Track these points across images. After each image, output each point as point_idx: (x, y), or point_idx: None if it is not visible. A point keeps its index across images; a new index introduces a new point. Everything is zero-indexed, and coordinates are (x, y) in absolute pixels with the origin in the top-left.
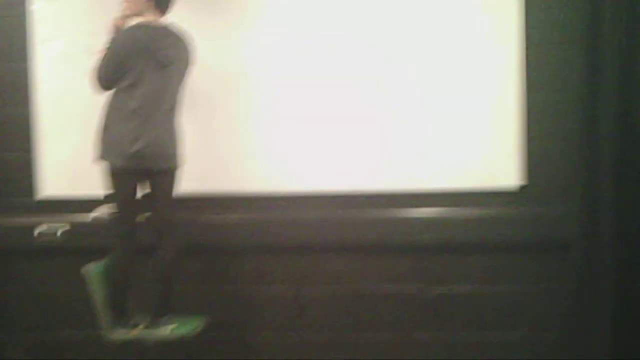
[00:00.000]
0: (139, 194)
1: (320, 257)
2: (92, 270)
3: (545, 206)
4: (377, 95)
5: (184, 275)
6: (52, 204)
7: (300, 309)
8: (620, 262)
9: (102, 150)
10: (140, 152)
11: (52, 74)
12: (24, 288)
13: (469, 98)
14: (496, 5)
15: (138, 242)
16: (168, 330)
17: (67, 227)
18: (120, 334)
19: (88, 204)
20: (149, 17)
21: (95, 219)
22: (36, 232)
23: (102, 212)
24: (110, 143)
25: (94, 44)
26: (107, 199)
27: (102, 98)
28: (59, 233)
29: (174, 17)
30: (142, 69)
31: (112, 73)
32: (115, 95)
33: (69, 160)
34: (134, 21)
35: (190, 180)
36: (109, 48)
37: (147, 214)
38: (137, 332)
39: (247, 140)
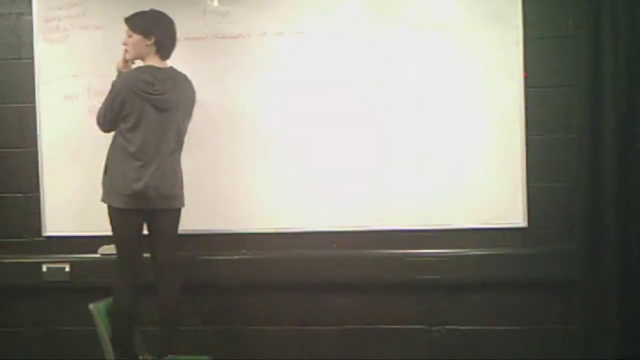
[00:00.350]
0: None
1: (323, 296)
2: (98, 307)
3: (549, 245)
4: (381, 136)
5: (188, 314)
6: (58, 242)
7: (303, 348)
8: (625, 302)
9: (104, 192)
10: (141, 192)
11: (57, 114)
12: (31, 325)
13: (472, 139)
14: (497, 48)
15: (143, 280)
16: None
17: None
18: None
19: (94, 242)
20: (150, 61)
21: (103, 255)
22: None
23: (110, 249)
24: (112, 184)
25: (98, 84)
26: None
27: (107, 137)
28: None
29: (175, 59)
30: (142, 112)
31: (112, 116)
32: (116, 138)
33: (75, 199)
34: (135, 64)
35: (193, 218)
36: (110, 91)
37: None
38: None
39: (250, 179)
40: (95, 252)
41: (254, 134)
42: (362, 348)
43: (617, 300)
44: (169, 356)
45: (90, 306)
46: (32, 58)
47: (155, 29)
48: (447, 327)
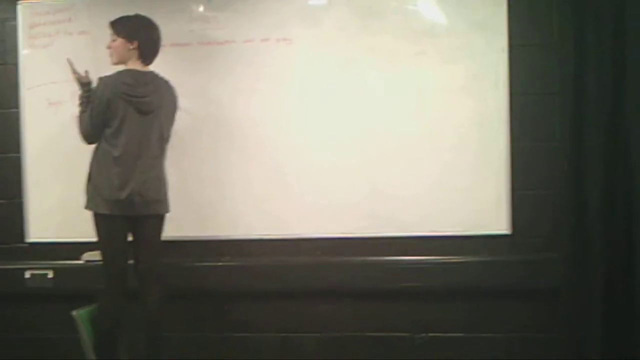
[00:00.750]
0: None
1: (307, 303)
2: (81, 314)
3: (534, 252)
4: (365, 143)
5: (172, 321)
6: (41, 248)
7: (287, 355)
8: (609, 309)
9: (88, 198)
10: (125, 199)
11: (42, 119)
12: (14, 331)
13: (456, 146)
14: (483, 55)
15: (127, 287)
16: None
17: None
18: None
19: (78, 248)
20: (132, 65)
21: (87, 261)
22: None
23: (94, 255)
24: (96, 190)
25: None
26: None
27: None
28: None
29: (161, 65)
30: (124, 116)
31: (99, 120)
32: (100, 143)
33: (58, 205)
34: (118, 68)
35: (178, 225)
36: (92, 98)
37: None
38: None
39: (234, 186)
40: (79, 259)
41: (239, 140)
42: (345, 355)
43: (602, 307)
44: None
45: (74, 313)
46: (16, 64)
47: (138, 34)
48: (430, 334)
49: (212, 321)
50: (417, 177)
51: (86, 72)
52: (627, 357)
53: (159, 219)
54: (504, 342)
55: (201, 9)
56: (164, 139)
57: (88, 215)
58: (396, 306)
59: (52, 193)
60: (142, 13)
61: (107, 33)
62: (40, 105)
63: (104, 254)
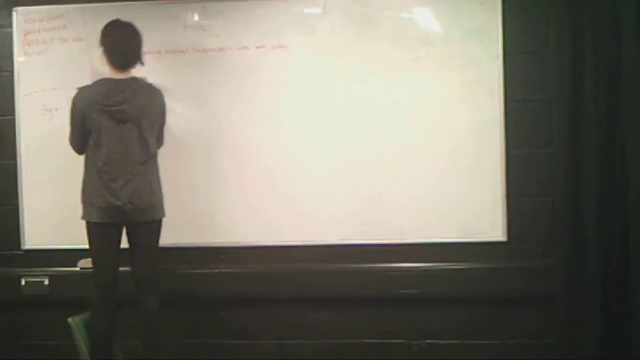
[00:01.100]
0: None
1: (303, 310)
2: (77, 321)
3: (530, 259)
4: (361, 150)
5: (168, 328)
6: (37, 255)
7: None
8: (606, 313)
9: (82, 208)
10: (115, 207)
11: (37, 126)
12: (9, 339)
13: (452, 152)
14: (478, 62)
15: (117, 296)
16: None
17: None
18: None
19: (74, 255)
20: (111, 73)
21: (82, 269)
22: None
23: (89, 262)
24: (87, 199)
25: None
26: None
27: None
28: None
29: (156, 72)
30: (101, 126)
31: (78, 134)
32: (87, 154)
33: (54, 212)
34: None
35: (172, 232)
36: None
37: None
38: None
39: (229, 193)
40: (75, 266)
41: (234, 147)
42: None
43: (598, 313)
44: None
45: (69, 320)
46: (12, 70)
47: (103, 41)
48: (427, 341)
49: (208, 328)
50: (414, 183)
51: None
52: None
53: (155, 225)
54: (501, 349)
55: (196, 16)
56: (149, 144)
57: (83, 222)
58: (393, 313)
59: (47, 200)
60: (137, 20)
61: None
62: (36, 112)
63: (94, 262)
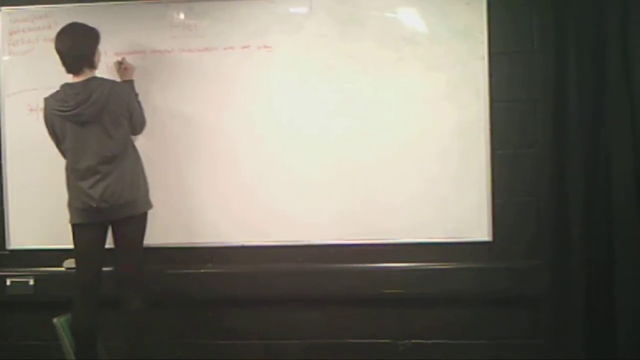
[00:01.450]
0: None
1: (291, 310)
2: (62, 321)
3: (516, 259)
4: (347, 151)
5: (155, 328)
6: (22, 255)
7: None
8: (591, 313)
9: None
10: (90, 207)
11: (22, 126)
12: None
13: (437, 153)
14: (464, 63)
15: (98, 296)
16: None
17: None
18: None
19: (59, 256)
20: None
21: (68, 269)
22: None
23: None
24: (68, 202)
25: None
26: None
27: None
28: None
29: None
30: (65, 131)
31: (54, 142)
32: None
33: (39, 212)
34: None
35: (159, 232)
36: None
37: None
38: None
39: (215, 193)
40: (60, 266)
41: (220, 147)
42: None
43: (584, 313)
44: None
45: (54, 320)
46: None
47: (55, 44)
48: (413, 341)
49: (196, 328)
50: (400, 184)
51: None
52: None
53: (136, 221)
54: (487, 349)
55: (182, 16)
56: (116, 141)
57: (68, 222)
58: (379, 313)
59: (33, 200)
60: (120, 21)
61: None
62: (21, 112)
63: (76, 263)
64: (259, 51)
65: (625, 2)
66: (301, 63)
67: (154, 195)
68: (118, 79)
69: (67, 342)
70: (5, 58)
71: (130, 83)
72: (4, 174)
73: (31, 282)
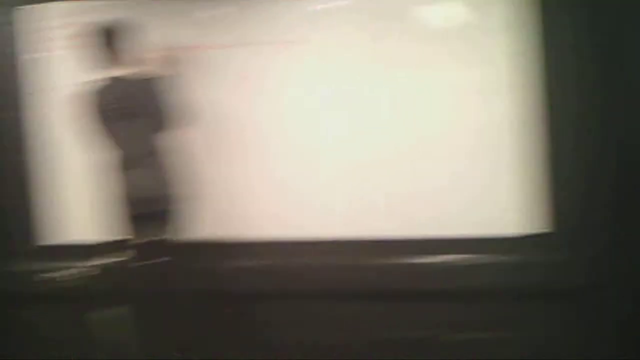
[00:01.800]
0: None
1: (330, 304)
2: (96, 316)
3: (561, 252)
4: (385, 141)
5: (196, 321)
6: (53, 250)
7: (309, 356)
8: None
9: None
10: (126, 199)
11: (46, 124)
12: (25, 334)
13: (490, 145)
14: (499, 58)
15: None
16: None
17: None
18: None
19: (90, 250)
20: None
21: (92, 266)
22: (47, 276)
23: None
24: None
25: None
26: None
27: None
28: (66, 277)
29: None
30: (102, 125)
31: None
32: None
33: (69, 206)
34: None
35: (202, 225)
36: None
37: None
38: None
39: (244, 188)
40: (86, 261)
41: (245, 141)
42: (369, 356)
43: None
44: None
45: (88, 315)
46: (16, 68)
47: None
48: (455, 334)
49: (235, 322)
50: (451, 175)
51: None
52: None
53: (164, 216)
54: (532, 343)
55: (205, 12)
56: (155, 138)
57: (97, 218)
58: (421, 307)
59: (62, 195)
60: (144, 17)
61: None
62: (46, 110)
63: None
64: (285, 47)
65: None
66: (331, 58)
67: (187, 190)
68: (159, 73)
69: (99, 337)
70: (25, 56)
71: (169, 78)
72: (33, 170)
73: (57, 276)
